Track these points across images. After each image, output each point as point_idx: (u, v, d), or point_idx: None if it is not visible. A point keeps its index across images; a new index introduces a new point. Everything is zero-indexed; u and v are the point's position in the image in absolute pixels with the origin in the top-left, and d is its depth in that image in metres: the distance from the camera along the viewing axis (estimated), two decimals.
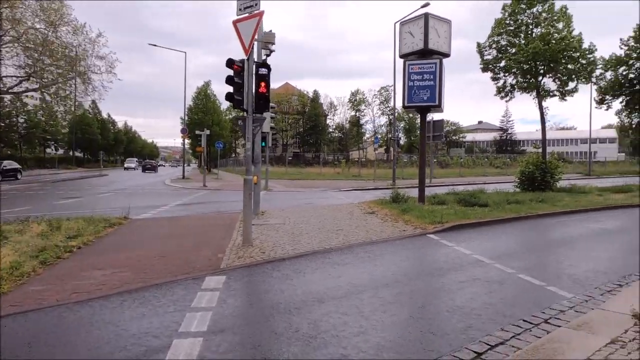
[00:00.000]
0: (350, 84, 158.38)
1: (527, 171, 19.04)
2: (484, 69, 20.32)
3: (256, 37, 8.22)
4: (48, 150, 72.09)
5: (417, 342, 3.97)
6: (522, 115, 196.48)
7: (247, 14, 8.11)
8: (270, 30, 10.76)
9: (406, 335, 4.12)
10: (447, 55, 14.39)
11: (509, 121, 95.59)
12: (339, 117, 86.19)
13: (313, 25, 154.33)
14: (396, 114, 76.41)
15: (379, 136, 73.68)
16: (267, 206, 15.44)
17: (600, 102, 28.89)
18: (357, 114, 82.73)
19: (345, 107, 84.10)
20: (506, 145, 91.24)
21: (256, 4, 8.01)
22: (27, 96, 51.48)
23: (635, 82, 27.19)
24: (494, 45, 20.11)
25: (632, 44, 27.03)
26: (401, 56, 14.76)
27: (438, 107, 14.07)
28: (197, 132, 34.76)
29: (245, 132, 8.20)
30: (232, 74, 8.03)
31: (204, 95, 52.78)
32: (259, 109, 8.30)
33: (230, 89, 8.11)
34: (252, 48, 8.13)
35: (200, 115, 50.59)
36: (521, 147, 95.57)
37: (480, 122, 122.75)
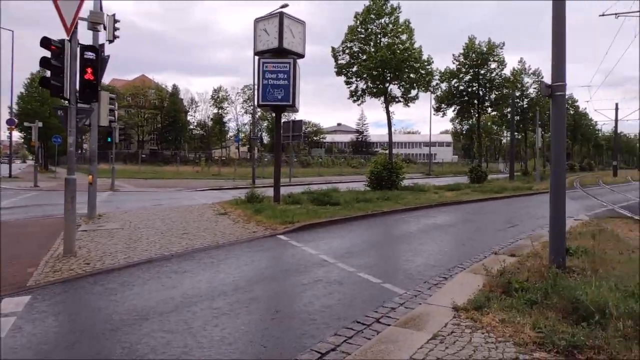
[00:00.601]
0: (215, 80, 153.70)
1: (376, 171, 20.33)
2: (338, 73, 21.17)
3: (81, 15, 7.13)
4: None
5: (245, 357, 3.64)
6: (377, 119, 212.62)
7: None
8: (102, 11, 9.56)
9: (234, 351, 3.77)
10: (301, 55, 14.52)
11: (364, 124, 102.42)
12: (200, 114, 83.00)
13: (176, 16, 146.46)
14: (260, 113, 76.80)
15: (241, 135, 72.78)
16: (108, 208, 13.90)
17: (438, 109, 32.53)
18: (220, 111, 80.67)
19: (207, 104, 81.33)
20: (362, 146, 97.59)
21: None
22: None
23: (464, 93, 31.16)
24: (347, 51, 21.07)
25: (462, 60, 30.91)
26: (256, 53, 14.50)
27: (292, 107, 14.12)
28: (25, 124, 30.00)
29: (66, 125, 7.05)
30: (48, 56, 6.82)
31: (37, 83, 46.04)
32: (85, 99, 7.21)
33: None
34: (76, 28, 7.01)
35: (35, 105, 44.08)
36: (374, 148, 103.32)
37: (339, 125, 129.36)
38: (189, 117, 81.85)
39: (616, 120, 46.36)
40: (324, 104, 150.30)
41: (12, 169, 33.87)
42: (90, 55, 7.17)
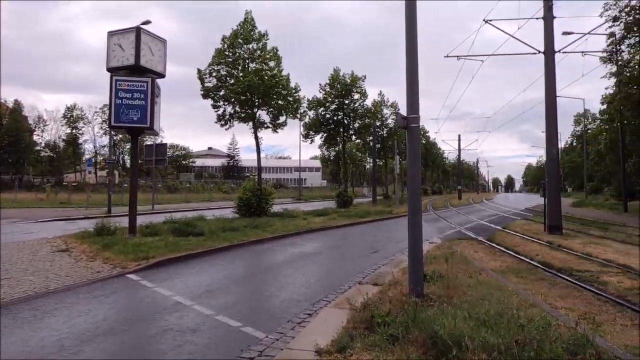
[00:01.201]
0: (70, 98, 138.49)
1: (245, 197, 19.78)
2: (205, 96, 20.37)
3: None
4: None
5: None
6: (249, 144, 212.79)
7: None
8: None
9: None
10: (161, 75, 13.54)
11: (236, 149, 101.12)
12: (50, 134, 73.76)
13: (24, 22, 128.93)
14: (123, 135, 70.92)
15: (100, 158, 66.43)
16: None
17: (306, 136, 33.35)
18: (75, 131, 72.68)
19: (58, 123, 72.70)
20: (233, 171, 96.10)
21: None
22: None
23: (330, 121, 32.49)
24: (214, 74, 20.41)
25: (328, 89, 32.31)
26: (109, 69, 13.08)
27: (151, 130, 13.00)
28: None
29: None
30: None
31: None
32: None
33: None
34: None
35: None
36: (246, 173, 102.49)
37: (210, 149, 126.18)
38: (35, 137, 72.16)
39: (459, 150, 52.58)
40: (195, 127, 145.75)
41: None
42: None
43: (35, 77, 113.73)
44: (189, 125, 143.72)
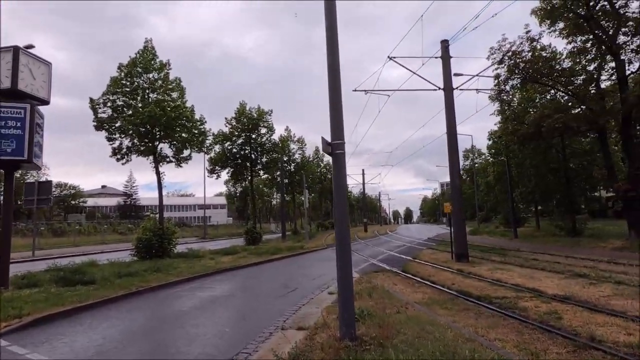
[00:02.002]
0: None
1: (145, 238, 18.01)
2: (98, 127, 18.54)
3: None
4: None
5: None
6: (149, 181, 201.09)
7: None
8: None
9: None
10: (44, 101, 11.91)
11: (134, 186, 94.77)
12: None
13: None
14: None
15: None
16: None
17: (212, 171, 32.02)
18: None
19: None
20: (131, 210, 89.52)
21: None
22: None
23: (237, 156, 31.61)
24: (109, 104, 18.72)
25: (234, 123, 31.58)
26: None
27: (30, 163, 11.22)
28: None
29: None
30: None
31: None
32: None
33: None
34: None
35: None
36: (145, 212, 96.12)
37: (104, 187, 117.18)
38: None
39: (363, 184, 54.22)
40: (87, 163, 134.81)
41: None
42: None
43: None
44: (80, 162, 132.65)
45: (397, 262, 17.10)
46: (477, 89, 17.39)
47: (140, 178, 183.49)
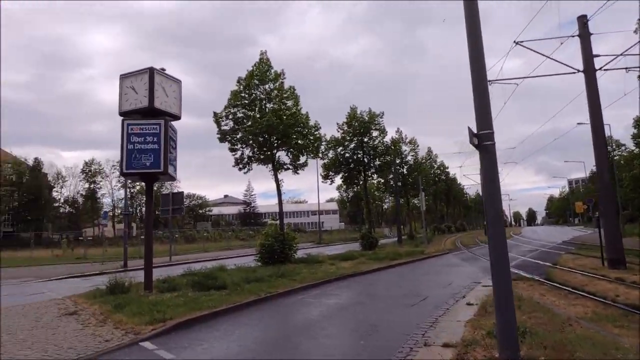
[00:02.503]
0: (89, 154, 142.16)
1: (267, 244, 18.53)
2: (221, 139, 19.62)
3: None
4: None
5: None
6: (265, 190, 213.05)
7: None
8: None
9: None
10: (176, 117, 12.72)
11: (252, 195, 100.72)
12: (69, 189, 74.37)
13: (45, 86, 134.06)
14: (139, 186, 71.10)
15: (114, 211, 66.20)
16: None
17: (325, 177, 32.35)
18: (93, 186, 73.18)
19: (77, 179, 73.40)
20: (250, 217, 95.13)
21: None
22: None
23: (350, 160, 31.52)
24: (230, 116, 19.74)
25: (346, 128, 31.56)
26: (121, 114, 12.29)
27: (165, 175, 11.99)
28: None
29: None
30: None
31: None
32: None
33: None
34: None
35: None
36: (263, 219, 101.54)
37: (226, 196, 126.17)
38: (54, 194, 72.72)
39: (483, 183, 50.72)
40: (210, 176, 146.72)
41: None
42: None
43: (55, 136, 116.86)
44: (205, 175, 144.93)
45: (534, 268, 15.34)
46: (626, 68, 14.91)
47: (257, 187, 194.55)
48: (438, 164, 58.25)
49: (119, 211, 68.69)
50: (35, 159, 70.30)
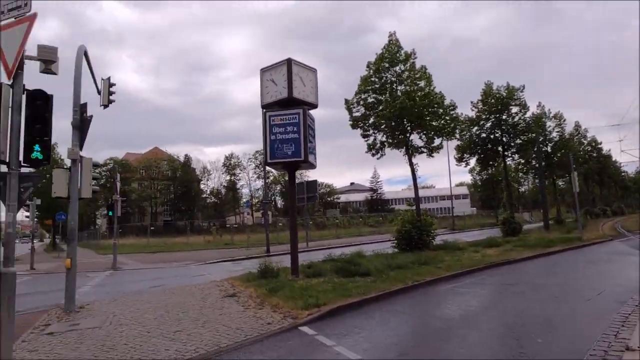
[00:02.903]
0: (227, 149, 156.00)
1: (404, 230, 18.05)
2: (353, 126, 19.58)
3: (27, 52, 5.42)
4: None
5: None
6: (390, 176, 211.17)
7: (12, 20, 5.35)
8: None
9: None
10: (314, 105, 12.88)
11: (378, 182, 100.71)
12: (213, 182, 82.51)
13: (188, 91, 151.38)
14: (273, 177, 75.81)
15: (254, 200, 71.31)
16: (97, 295, 11.80)
17: (460, 159, 30.60)
18: (233, 178, 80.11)
19: (220, 172, 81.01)
20: (377, 204, 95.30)
21: (26, 4, 5.31)
22: None
23: (487, 140, 29.33)
24: (361, 102, 19.58)
25: (481, 106, 29.39)
26: (263, 106, 12.86)
27: (306, 163, 12.19)
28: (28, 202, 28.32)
29: (5, 197, 5.13)
30: None
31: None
32: (31, 162, 5.35)
33: None
34: (21, 69, 5.29)
35: (43, 183, 43.29)
36: (390, 205, 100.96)
37: (352, 184, 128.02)
38: (202, 186, 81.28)
39: None
40: (336, 164, 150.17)
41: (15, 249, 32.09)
42: (39, 103, 5.39)
43: (197, 134, 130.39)
44: (331, 163, 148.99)
45: None
46: None
47: (383, 173, 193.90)
48: (588, 139, 51.53)
49: (256, 200, 73.91)
50: (186, 155, 79.16)
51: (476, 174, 52.37)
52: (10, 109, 5.13)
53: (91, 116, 9.92)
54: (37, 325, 7.98)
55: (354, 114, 19.57)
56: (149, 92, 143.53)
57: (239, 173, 79.93)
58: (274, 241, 29.89)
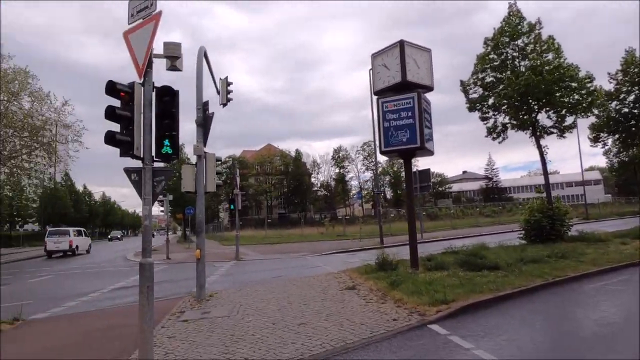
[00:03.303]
0: (334, 142, 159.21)
1: (533, 219, 16.34)
2: (471, 109, 18.16)
3: (155, 50, 5.61)
4: (26, 226, 68.96)
5: None
6: (506, 163, 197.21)
7: (141, 20, 5.56)
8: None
9: None
10: (429, 88, 12.07)
11: (493, 169, 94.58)
12: (323, 175, 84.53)
13: (295, 88, 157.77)
14: (381, 168, 75.10)
15: (363, 191, 71.27)
16: (224, 284, 12.42)
17: (595, 140, 27.02)
18: (342, 170, 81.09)
19: (329, 165, 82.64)
20: (493, 193, 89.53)
21: (152, 4, 5.47)
22: None
23: (629, 117, 25.48)
24: (478, 83, 18.08)
25: (621, 77, 25.61)
26: (376, 93, 12.41)
27: (422, 149, 11.46)
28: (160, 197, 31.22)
29: (141, 190, 5.37)
30: (114, 105, 5.32)
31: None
32: (163, 157, 5.53)
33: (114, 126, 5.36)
34: (150, 67, 5.48)
35: (174, 181, 47.80)
36: (507, 194, 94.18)
37: (464, 172, 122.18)
38: (312, 179, 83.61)
39: None
40: (446, 152, 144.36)
41: (152, 241, 35.76)
42: (166, 99, 5.55)
43: (306, 129, 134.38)
44: (440, 151, 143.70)
45: None
46: None
47: (498, 160, 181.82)
48: None
49: (364, 192, 73.80)
50: (296, 150, 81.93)
51: (613, 156, 46.04)
52: (140, 105, 5.34)
53: (213, 113, 10.34)
54: (174, 312, 8.49)
55: (471, 96, 18.16)
56: (260, 91, 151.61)
57: (348, 165, 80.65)
58: (386, 232, 29.34)
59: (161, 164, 5.62)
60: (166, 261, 22.90)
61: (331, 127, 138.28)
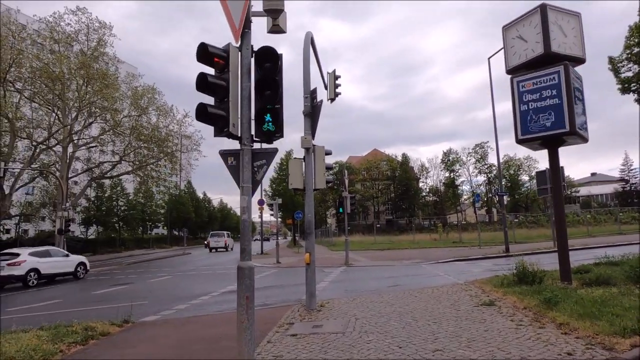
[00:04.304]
0: (440, 147, 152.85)
1: None
2: (624, 90, 15.03)
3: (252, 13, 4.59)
4: (155, 230, 76.25)
5: None
6: None
7: None
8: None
9: None
10: (580, 60, 9.80)
11: (631, 169, 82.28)
12: (432, 179, 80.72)
13: (398, 93, 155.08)
14: (495, 171, 69.42)
15: (480, 195, 66.40)
16: (334, 292, 11.30)
17: None
18: (452, 174, 76.58)
19: (438, 169, 78.67)
20: (631, 197, 77.79)
21: None
22: (125, 180, 53.28)
23: None
24: (632, 58, 14.91)
25: None
26: (509, 71, 10.39)
27: (573, 135, 9.22)
28: (267, 202, 31.36)
29: (239, 176, 4.36)
30: (206, 72, 4.37)
31: (286, 166, 51.17)
32: (264, 135, 4.48)
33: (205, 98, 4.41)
34: (248, 28, 4.47)
35: (282, 186, 48.73)
36: None
37: (593, 174, 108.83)
38: (420, 184, 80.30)
39: None
40: (575, 152, 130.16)
41: (263, 246, 36.44)
42: (268, 65, 4.48)
43: (411, 134, 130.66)
44: (570, 150, 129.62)
45: None
46: None
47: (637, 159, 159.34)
48: None
49: (480, 195, 68.75)
50: (403, 154, 79.38)
51: None
52: (238, 73, 4.34)
53: (321, 101, 9.30)
54: (281, 324, 7.50)
55: (624, 74, 15.03)
56: (362, 99, 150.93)
57: (459, 169, 75.89)
58: (510, 240, 26.18)
59: (261, 145, 4.57)
60: (276, 265, 22.65)
61: (437, 131, 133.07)
